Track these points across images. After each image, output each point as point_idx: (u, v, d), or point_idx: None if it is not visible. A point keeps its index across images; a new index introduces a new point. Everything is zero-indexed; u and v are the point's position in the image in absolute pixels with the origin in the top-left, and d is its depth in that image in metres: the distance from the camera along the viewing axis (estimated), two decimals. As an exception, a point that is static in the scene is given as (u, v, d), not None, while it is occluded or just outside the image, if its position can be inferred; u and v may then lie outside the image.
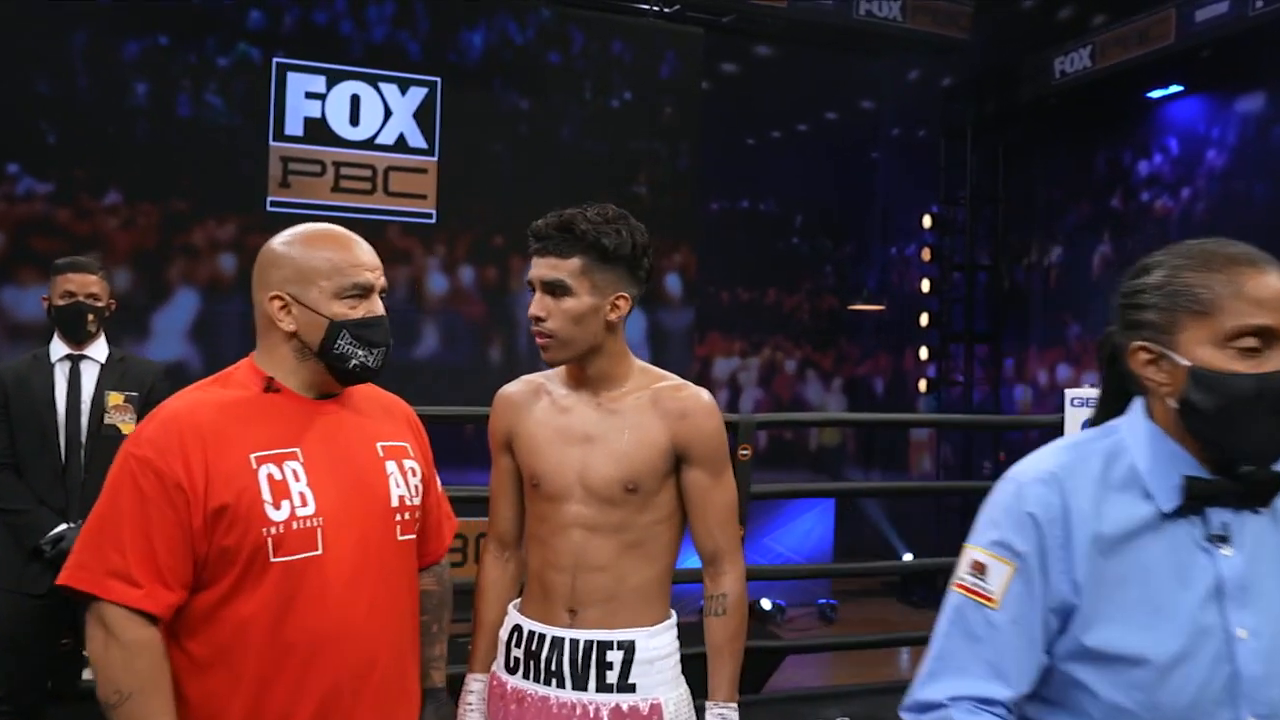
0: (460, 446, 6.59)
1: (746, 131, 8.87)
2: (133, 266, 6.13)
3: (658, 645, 1.72)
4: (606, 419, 1.73)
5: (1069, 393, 3.72)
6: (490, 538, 1.89)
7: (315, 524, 1.47)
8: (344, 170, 6.43)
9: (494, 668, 1.81)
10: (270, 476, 1.45)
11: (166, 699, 1.41)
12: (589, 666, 1.70)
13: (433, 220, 6.66)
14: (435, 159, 6.62)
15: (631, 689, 1.69)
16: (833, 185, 9.11)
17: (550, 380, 1.82)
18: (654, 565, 1.74)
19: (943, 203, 8.57)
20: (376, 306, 1.54)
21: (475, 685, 1.82)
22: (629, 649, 1.70)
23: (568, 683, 1.70)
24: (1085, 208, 7.76)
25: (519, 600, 1.83)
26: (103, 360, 3.06)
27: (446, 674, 1.71)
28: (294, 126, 6.37)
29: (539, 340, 1.71)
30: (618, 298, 1.70)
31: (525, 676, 1.74)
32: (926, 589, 7.48)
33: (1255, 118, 6.59)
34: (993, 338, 8.44)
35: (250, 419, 1.49)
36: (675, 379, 1.78)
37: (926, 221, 8.59)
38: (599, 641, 1.71)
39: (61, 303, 3.01)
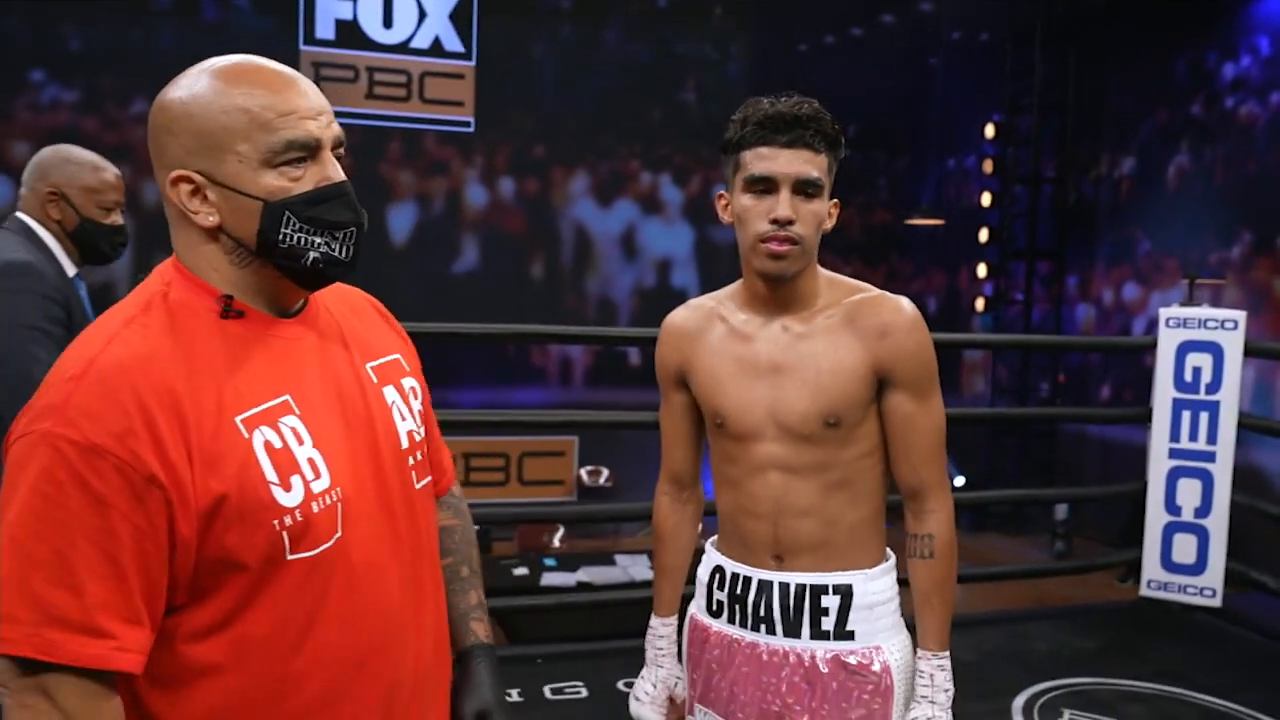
0: (502, 362, 6.45)
1: (797, 36, 8.41)
2: (163, 178, 5.95)
3: (877, 589, 1.57)
4: (796, 345, 1.55)
5: (1164, 312, 3.41)
6: (664, 478, 1.77)
7: (334, 498, 1.06)
8: (378, 76, 6.13)
9: (693, 609, 1.69)
10: (268, 445, 1.02)
11: None
12: (801, 612, 1.55)
13: (471, 129, 6.38)
14: (473, 63, 6.29)
15: (849, 636, 1.55)
16: (888, 93, 8.60)
17: (722, 303, 1.64)
18: (865, 505, 1.57)
19: (1007, 111, 8.13)
20: (331, 170, 1.05)
21: (664, 630, 1.75)
22: (846, 593, 1.55)
23: (778, 629, 1.56)
24: (1162, 115, 7.27)
25: (716, 538, 1.70)
26: None
27: (488, 627, 1.33)
28: (325, 29, 6.07)
29: (779, 248, 1.49)
30: (834, 204, 1.55)
31: (730, 621, 1.61)
32: (977, 514, 7.32)
33: (1358, 14, 6.06)
34: (1056, 254, 8.07)
35: (215, 363, 1.03)
36: (870, 289, 1.59)
37: (989, 131, 8.17)
38: (812, 586, 1.55)
39: None
